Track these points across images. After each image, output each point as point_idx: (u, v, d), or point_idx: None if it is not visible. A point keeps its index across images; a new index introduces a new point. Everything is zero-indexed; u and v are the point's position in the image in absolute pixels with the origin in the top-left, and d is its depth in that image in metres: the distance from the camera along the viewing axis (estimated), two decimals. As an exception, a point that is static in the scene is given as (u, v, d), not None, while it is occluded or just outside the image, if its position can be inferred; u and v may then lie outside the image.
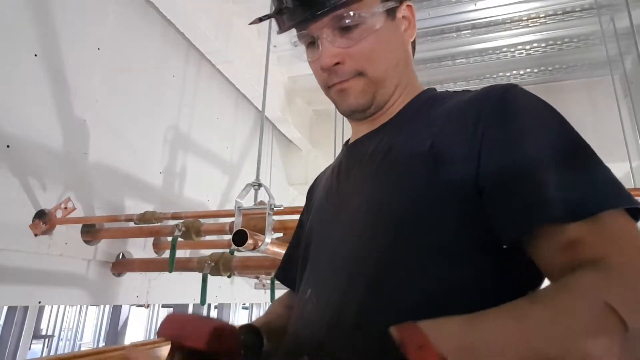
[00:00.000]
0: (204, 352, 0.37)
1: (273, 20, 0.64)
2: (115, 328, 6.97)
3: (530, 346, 0.35)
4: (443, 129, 0.54)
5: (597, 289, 0.37)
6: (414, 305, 0.47)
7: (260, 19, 0.64)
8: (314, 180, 0.83)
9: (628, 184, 1.80)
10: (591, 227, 0.41)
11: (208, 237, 1.87)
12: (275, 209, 1.44)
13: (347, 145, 0.71)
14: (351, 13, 0.57)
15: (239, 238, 1.31)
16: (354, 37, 0.59)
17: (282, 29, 0.63)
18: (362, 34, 0.59)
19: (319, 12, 0.57)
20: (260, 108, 2.00)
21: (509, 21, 2.76)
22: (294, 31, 0.64)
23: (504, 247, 0.45)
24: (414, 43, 0.69)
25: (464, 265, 0.47)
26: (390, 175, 0.56)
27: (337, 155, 0.75)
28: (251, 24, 0.67)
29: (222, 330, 0.39)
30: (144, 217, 1.68)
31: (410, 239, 0.50)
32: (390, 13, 0.61)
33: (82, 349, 7.21)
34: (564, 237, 0.42)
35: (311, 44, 0.62)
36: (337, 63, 0.59)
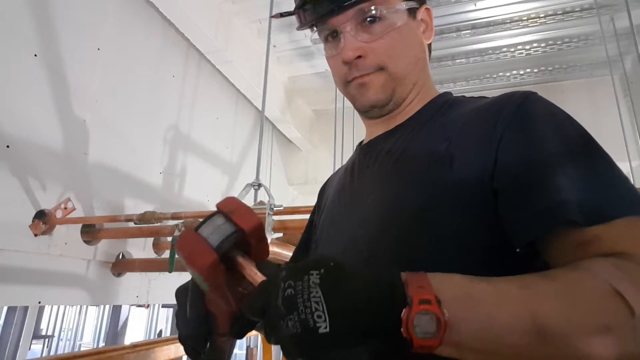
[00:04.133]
0: (244, 233, 0.40)
1: (272, 20, 0.65)
2: (115, 328, 6.99)
3: (529, 307, 0.36)
4: (460, 132, 0.54)
5: (606, 274, 0.38)
6: None
7: (282, 14, 0.65)
8: (325, 180, 0.83)
9: (628, 184, 1.79)
10: (609, 228, 0.42)
11: (208, 237, 1.87)
12: (275, 209, 1.44)
13: (360, 145, 0.72)
14: (375, 8, 0.58)
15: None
16: (376, 31, 0.60)
17: (303, 23, 0.63)
18: (384, 30, 0.60)
19: (345, 4, 0.57)
20: (260, 108, 2.00)
21: (509, 21, 2.76)
22: (297, 29, 0.65)
23: (517, 250, 0.45)
24: (430, 46, 0.69)
25: (473, 264, 0.47)
26: (405, 174, 0.56)
27: (350, 156, 0.75)
28: (272, 17, 0.69)
29: (263, 230, 0.42)
30: (144, 217, 1.68)
31: (423, 237, 0.50)
32: (412, 12, 0.62)
33: (82, 349, 7.22)
34: (582, 237, 0.42)
35: (332, 38, 0.63)
36: (359, 57, 0.60)
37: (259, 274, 0.40)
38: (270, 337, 0.36)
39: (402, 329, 0.33)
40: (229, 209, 0.41)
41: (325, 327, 0.33)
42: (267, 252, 0.43)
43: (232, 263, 0.41)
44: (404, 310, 0.33)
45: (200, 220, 0.41)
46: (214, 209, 0.42)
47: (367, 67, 0.60)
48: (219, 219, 0.40)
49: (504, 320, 0.36)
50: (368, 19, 0.59)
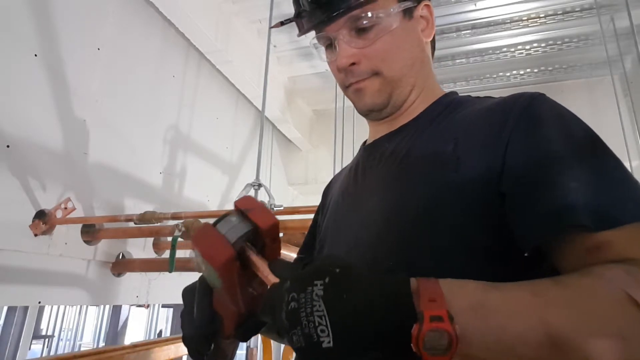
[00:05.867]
0: (260, 232, 0.40)
1: (272, 22, 0.65)
2: (115, 328, 6.99)
3: (541, 317, 0.35)
4: (467, 132, 0.54)
5: (620, 281, 0.37)
6: None
7: (282, 23, 0.66)
8: (327, 180, 0.83)
9: (628, 184, 1.79)
10: (619, 233, 0.41)
11: (208, 237, 1.86)
12: (275, 209, 1.44)
13: (364, 146, 0.71)
14: (367, 14, 0.58)
15: (239, 238, 1.31)
16: (369, 37, 0.60)
17: (301, 31, 0.64)
18: (377, 34, 0.60)
19: (334, 14, 0.58)
20: (260, 108, 2.00)
21: (509, 21, 2.76)
22: (297, 35, 0.66)
23: (525, 254, 0.45)
24: (433, 43, 0.69)
25: (477, 265, 0.47)
26: (409, 174, 0.56)
27: (354, 156, 0.75)
28: (273, 27, 0.70)
29: (278, 230, 0.43)
30: (144, 217, 1.68)
31: (426, 238, 0.50)
32: (407, 13, 0.62)
33: (82, 349, 7.22)
34: (591, 242, 0.42)
35: (329, 45, 0.64)
36: (353, 63, 0.61)
37: (271, 274, 0.40)
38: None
39: (412, 344, 0.33)
40: (246, 207, 0.41)
41: (329, 342, 0.32)
42: (279, 252, 0.43)
43: (246, 261, 0.41)
44: (414, 326, 0.33)
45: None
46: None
47: (361, 73, 0.61)
48: (237, 216, 0.41)
49: (516, 332, 0.35)
50: (361, 25, 0.59)
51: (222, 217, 0.41)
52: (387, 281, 0.36)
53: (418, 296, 0.34)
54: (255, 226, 0.40)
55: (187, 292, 0.48)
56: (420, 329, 0.32)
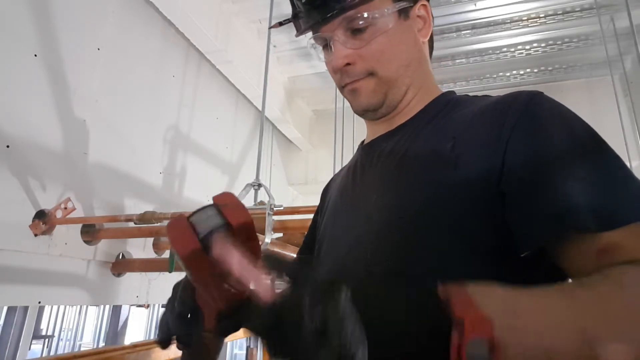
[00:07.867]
0: (232, 229, 0.40)
1: (272, 21, 0.65)
2: (115, 328, 6.98)
3: (578, 325, 0.34)
4: (465, 132, 0.54)
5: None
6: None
7: (280, 23, 0.67)
8: (326, 180, 0.83)
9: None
10: (625, 234, 0.40)
11: (208, 237, 1.87)
12: (275, 209, 1.44)
13: (362, 145, 0.71)
14: (362, 14, 0.59)
15: (239, 238, 1.31)
16: (364, 37, 0.60)
17: (299, 32, 0.65)
18: (372, 35, 0.60)
19: (328, 15, 0.58)
20: (260, 108, 2.00)
21: (509, 21, 2.76)
22: (295, 36, 0.66)
23: (522, 255, 0.44)
24: (432, 42, 0.69)
25: (477, 265, 0.47)
26: (408, 174, 0.56)
27: (352, 156, 0.75)
28: (272, 27, 0.71)
29: (253, 229, 0.42)
30: (144, 217, 1.68)
31: (426, 237, 0.50)
32: (403, 13, 0.62)
33: (82, 349, 7.22)
34: (597, 244, 0.41)
35: (326, 46, 0.64)
36: (348, 64, 0.61)
37: (244, 273, 0.39)
38: None
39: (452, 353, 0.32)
40: (222, 202, 0.41)
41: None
42: (258, 251, 0.42)
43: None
44: (453, 334, 0.32)
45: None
46: None
47: (356, 73, 0.61)
48: (211, 210, 0.41)
49: (554, 339, 0.34)
50: (355, 26, 0.59)
51: (200, 209, 0.41)
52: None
53: (452, 304, 0.34)
54: (226, 222, 0.40)
55: (177, 284, 0.50)
56: (462, 338, 0.31)
